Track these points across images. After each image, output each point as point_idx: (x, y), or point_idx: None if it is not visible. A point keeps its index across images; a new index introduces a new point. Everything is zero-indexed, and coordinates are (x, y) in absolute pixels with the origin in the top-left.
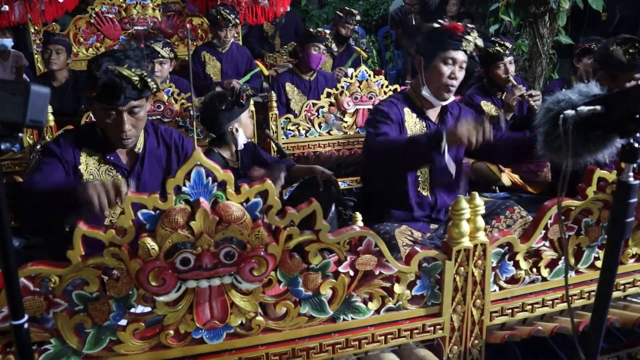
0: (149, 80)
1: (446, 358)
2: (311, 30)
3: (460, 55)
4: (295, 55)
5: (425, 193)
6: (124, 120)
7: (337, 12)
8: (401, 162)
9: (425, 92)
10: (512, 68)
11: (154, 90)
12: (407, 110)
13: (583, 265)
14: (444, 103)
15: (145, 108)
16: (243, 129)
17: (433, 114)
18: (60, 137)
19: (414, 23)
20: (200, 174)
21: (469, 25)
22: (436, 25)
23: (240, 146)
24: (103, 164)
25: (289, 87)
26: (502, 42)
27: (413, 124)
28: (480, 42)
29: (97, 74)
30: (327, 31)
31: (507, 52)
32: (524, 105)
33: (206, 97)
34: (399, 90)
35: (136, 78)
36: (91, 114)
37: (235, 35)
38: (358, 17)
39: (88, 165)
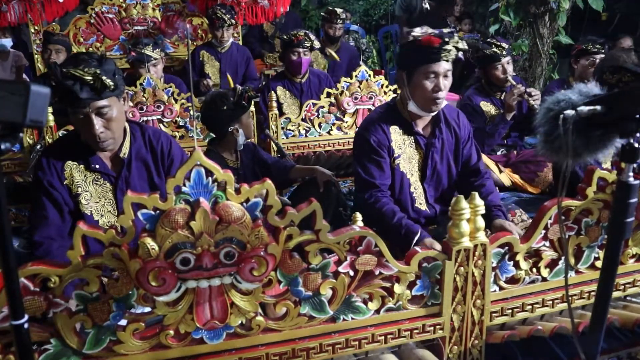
0: (104, 78)
1: (446, 358)
2: (285, 37)
3: (441, 67)
4: (283, 59)
5: (423, 208)
6: (92, 122)
7: (322, 13)
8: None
9: (412, 107)
10: (509, 68)
11: (112, 87)
12: (393, 128)
13: (583, 265)
14: (433, 114)
15: (116, 108)
16: (243, 129)
17: (422, 124)
18: (43, 157)
19: (427, 8)
20: (200, 174)
21: (445, 31)
22: (410, 38)
23: (240, 146)
24: (89, 173)
25: (280, 91)
26: (499, 43)
27: (402, 142)
28: (463, 45)
29: (53, 79)
30: (302, 32)
31: (503, 52)
32: (523, 105)
33: (207, 97)
34: (399, 90)
35: (89, 77)
36: None
37: (235, 35)
38: (343, 16)
39: (73, 178)
